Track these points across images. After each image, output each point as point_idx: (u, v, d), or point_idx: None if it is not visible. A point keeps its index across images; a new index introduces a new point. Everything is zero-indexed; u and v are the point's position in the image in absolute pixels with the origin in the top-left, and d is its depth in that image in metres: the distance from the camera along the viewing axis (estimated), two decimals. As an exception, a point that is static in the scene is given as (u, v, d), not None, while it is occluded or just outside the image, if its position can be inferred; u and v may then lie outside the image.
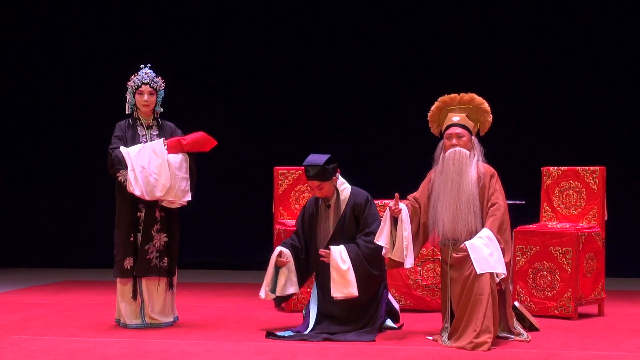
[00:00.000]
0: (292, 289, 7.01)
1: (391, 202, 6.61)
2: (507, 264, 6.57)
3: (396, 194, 6.55)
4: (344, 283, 6.71)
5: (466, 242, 6.51)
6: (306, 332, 6.73)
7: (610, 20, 11.14)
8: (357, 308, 6.82)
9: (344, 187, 6.99)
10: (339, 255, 6.75)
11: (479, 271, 6.41)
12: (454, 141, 6.71)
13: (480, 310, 6.37)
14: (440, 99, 6.92)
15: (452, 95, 6.88)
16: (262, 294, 7.01)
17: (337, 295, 6.71)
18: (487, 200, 6.65)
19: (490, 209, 6.62)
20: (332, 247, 6.81)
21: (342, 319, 6.81)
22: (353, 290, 6.69)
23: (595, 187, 8.03)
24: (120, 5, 12.00)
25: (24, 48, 12.10)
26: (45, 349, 6.30)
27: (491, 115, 6.84)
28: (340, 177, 7.01)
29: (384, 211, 6.69)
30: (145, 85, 7.15)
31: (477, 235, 6.54)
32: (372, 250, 6.77)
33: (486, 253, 6.44)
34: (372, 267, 6.77)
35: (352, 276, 6.69)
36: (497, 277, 6.46)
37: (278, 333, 6.75)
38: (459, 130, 6.73)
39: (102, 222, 10.12)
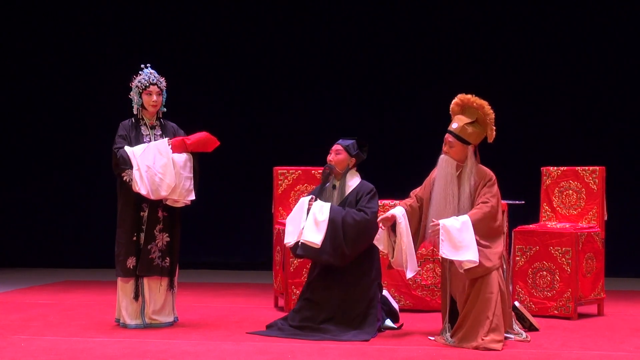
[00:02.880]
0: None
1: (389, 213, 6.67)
2: (488, 260, 6.48)
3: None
4: (314, 230, 6.80)
5: (440, 221, 6.45)
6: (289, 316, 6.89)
7: (610, 21, 11.14)
8: (348, 305, 6.85)
9: (356, 176, 7.14)
10: (319, 209, 6.86)
11: (441, 254, 6.42)
12: (446, 149, 6.74)
13: (490, 309, 6.39)
14: (459, 96, 6.84)
15: (469, 95, 6.83)
16: (292, 239, 6.93)
17: (304, 239, 6.81)
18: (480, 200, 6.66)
19: (480, 204, 6.60)
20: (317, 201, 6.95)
21: (329, 309, 6.84)
22: (316, 239, 6.76)
23: (595, 187, 8.03)
24: (120, 3, 12.00)
25: (22, 46, 12.09)
26: (45, 349, 6.30)
27: (494, 128, 6.79)
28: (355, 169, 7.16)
29: (384, 211, 6.68)
30: (153, 85, 7.14)
31: (454, 217, 6.51)
32: (355, 223, 6.82)
33: (455, 239, 6.38)
34: (346, 241, 6.78)
35: (322, 230, 6.76)
36: (463, 265, 6.39)
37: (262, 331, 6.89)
38: (451, 139, 6.73)
39: (103, 221, 10.14)
